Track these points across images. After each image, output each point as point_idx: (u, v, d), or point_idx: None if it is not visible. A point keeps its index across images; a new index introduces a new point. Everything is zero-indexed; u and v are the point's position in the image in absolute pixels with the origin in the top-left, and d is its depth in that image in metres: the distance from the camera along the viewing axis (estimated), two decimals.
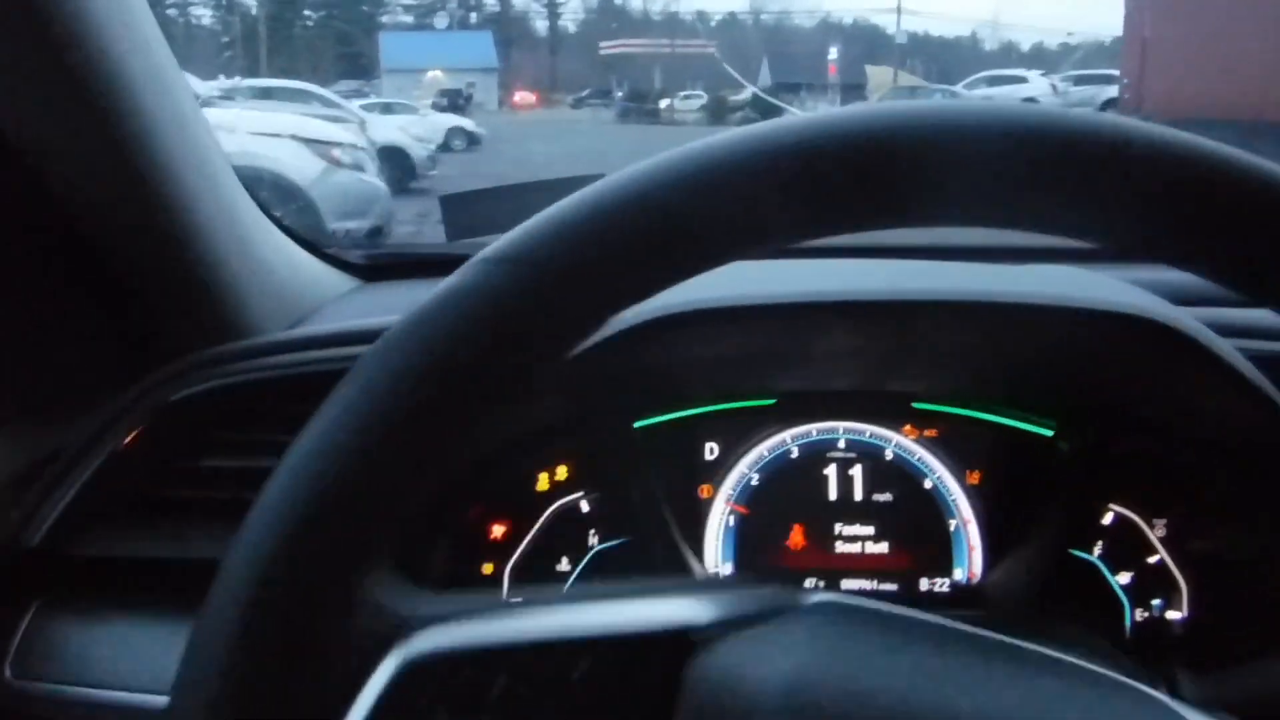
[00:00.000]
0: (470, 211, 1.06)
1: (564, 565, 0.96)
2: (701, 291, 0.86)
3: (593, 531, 0.97)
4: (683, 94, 36.00)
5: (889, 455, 0.97)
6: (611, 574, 0.95)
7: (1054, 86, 20.26)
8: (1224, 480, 0.89)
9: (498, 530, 0.96)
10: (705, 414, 0.98)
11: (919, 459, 0.97)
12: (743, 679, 0.45)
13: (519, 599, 0.51)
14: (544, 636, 0.49)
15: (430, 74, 35.62)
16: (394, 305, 0.82)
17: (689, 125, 29.87)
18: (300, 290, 1.15)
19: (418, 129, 11.84)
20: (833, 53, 37.15)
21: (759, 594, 0.49)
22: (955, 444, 0.97)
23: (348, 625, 0.46)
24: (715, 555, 0.97)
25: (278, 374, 0.96)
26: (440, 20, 33.83)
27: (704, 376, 0.96)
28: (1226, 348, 0.76)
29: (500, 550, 0.96)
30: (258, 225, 1.11)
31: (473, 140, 15.71)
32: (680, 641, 0.48)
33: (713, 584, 0.54)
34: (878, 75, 35.26)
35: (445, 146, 13.95)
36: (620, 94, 31.60)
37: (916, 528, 0.98)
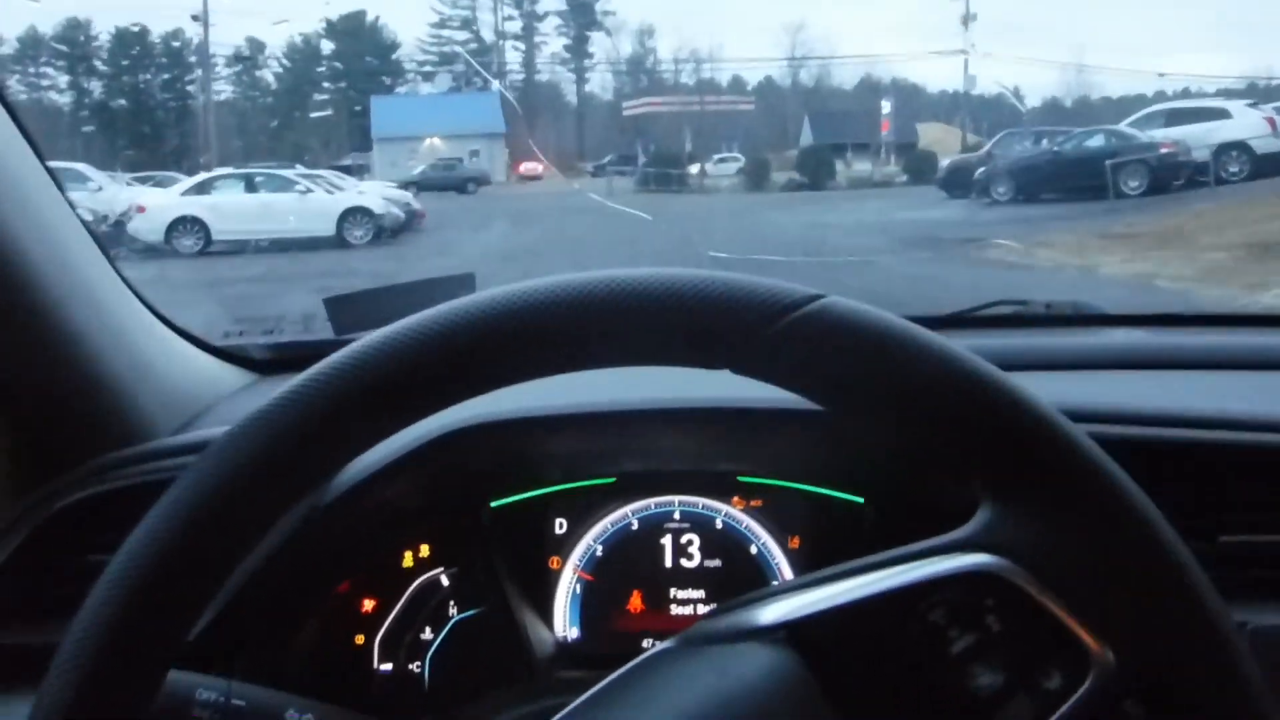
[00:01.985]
0: (352, 310, 1.16)
1: (427, 634, 1.06)
2: (543, 397, 1.00)
3: (452, 603, 1.07)
4: (716, 157, 33.26)
5: (719, 524, 1.08)
6: (470, 641, 1.06)
7: (1275, 122, 14.73)
8: None
9: (367, 604, 1.06)
10: (553, 493, 1.10)
11: (746, 526, 1.09)
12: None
13: None
14: None
15: (428, 141, 32.36)
16: None
17: (723, 192, 24.71)
18: (192, 389, 1.22)
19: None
20: (886, 107, 34.47)
21: None
22: (778, 512, 1.09)
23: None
24: (563, 621, 1.08)
25: (161, 477, 1.00)
26: (441, 81, 29.53)
27: (553, 465, 1.09)
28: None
29: (369, 622, 1.06)
30: (142, 327, 1.18)
31: (392, 228, 12.81)
32: None
33: None
34: (931, 132, 33.38)
35: (340, 240, 11.89)
36: (644, 159, 26.34)
37: (743, 590, 1.00)
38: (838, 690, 0.60)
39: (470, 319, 0.58)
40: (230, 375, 1.33)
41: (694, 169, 28.98)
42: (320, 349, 1.20)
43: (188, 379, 1.23)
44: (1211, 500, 0.93)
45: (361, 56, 42.18)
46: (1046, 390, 0.60)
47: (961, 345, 0.59)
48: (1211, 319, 1.59)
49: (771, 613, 0.62)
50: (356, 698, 0.86)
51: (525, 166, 33.94)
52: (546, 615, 1.10)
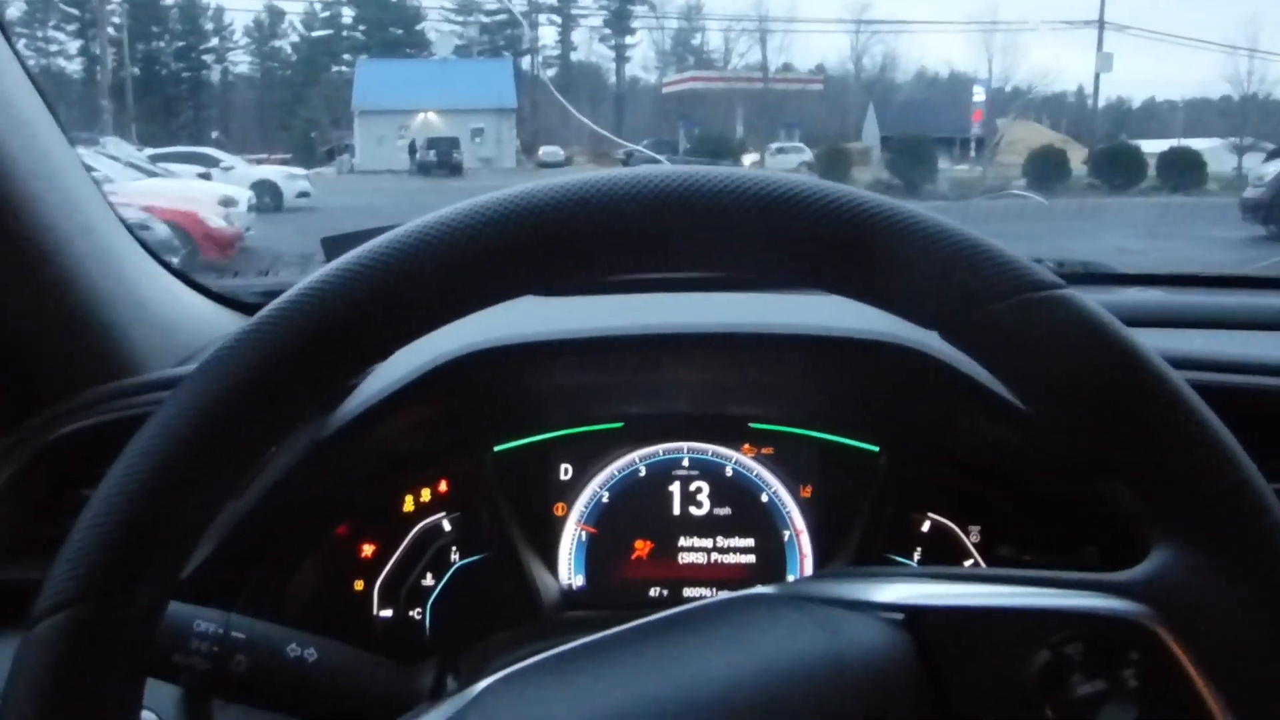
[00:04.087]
0: (349, 249, 1.02)
1: (428, 580, 1.08)
2: (549, 324, 1.02)
3: (454, 549, 1.08)
4: (775, 146, 28.14)
5: (729, 472, 1.10)
6: (472, 588, 1.07)
7: None
8: (1013, 495, 1.02)
9: (367, 549, 1.08)
10: (558, 437, 1.11)
11: (756, 475, 1.10)
12: None
13: None
14: None
15: (421, 116, 28.46)
16: None
17: None
18: (189, 329, 1.24)
19: None
20: (978, 94, 29.42)
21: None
22: (789, 461, 1.10)
23: (144, 636, 0.57)
24: (568, 569, 1.10)
25: (149, 411, 1.00)
26: (442, 45, 23.72)
27: (557, 403, 1.10)
28: (978, 370, 0.84)
29: (369, 568, 1.08)
30: (141, 268, 1.21)
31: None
32: None
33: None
34: (1016, 130, 28.80)
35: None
36: (686, 145, 19.77)
37: (753, 538, 1.10)
38: (943, 689, 0.59)
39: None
40: (227, 318, 1.33)
41: (748, 159, 22.73)
42: None
43: (184, 319, 1.24)
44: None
45: (385, 26, 39.41)
46: None
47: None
48: (1227, 280, 1.59)
49: (891, 592, 0.60)
50: (357, 640, 0.84)
51: (545, 151, 30.89)
52: (551, 563, 1.12)
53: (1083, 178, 23.46)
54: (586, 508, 1.11)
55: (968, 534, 1.07)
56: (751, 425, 1.10)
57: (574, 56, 44.70)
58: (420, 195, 17.53)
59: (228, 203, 9.11)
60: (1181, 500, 0.55)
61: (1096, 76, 27.40)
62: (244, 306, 1.38)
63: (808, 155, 26.29)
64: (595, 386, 1.10)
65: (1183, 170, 22.52)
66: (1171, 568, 0.57)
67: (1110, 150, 24.69)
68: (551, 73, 43.65)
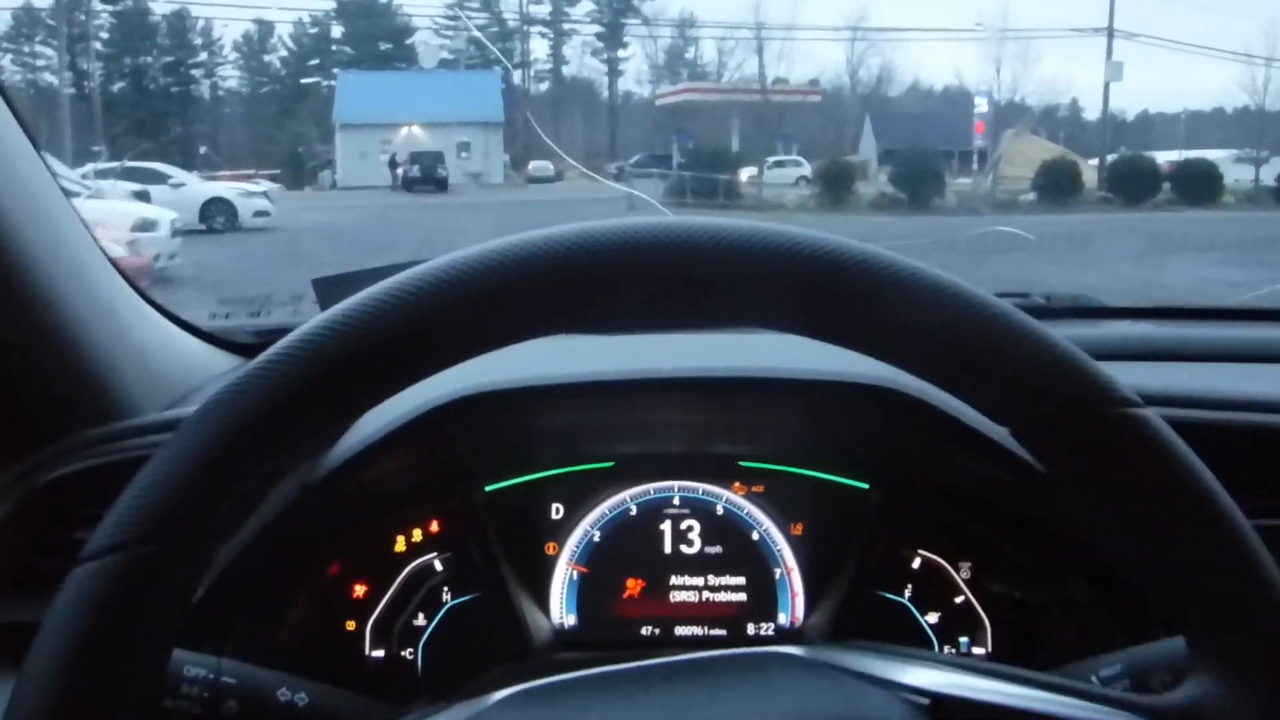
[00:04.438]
0: (342, 291, 0.98)
1: (420, 620, 1.09)
2: (541, 368, 1.03)
3: (446, 589, 1.09)
4: (772, 159, 27.35)
5: (720, 510, 1.11)
6: (464, 628, 1.07)
7: None
8: (1004, 532, 1.04)
9: (358, 589, 1.08)
10: (550, 477, 1.12)
11: (747, 513, 1.11)
12: None
13: None
14: None
15: (405, 130, 27.62)
16: None
17: (789, 208, 17.02)
18: (180, 370, 1.24)
19: None
20: (981, 105, 28.93)
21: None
22: (780, 498, 1.11)
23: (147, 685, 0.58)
24: (560, 608, 1.11)
25: (146, 453, 0.94)
26: (427, 56, 22.83)
27: (548, 443, 1.11)
28: (969, 413, 0.87)
29: (361, 608, 1.08)
30: (131, 308, 1.21)
31: None
32: None
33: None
34: (1018, 144, 27.46)
35: None
36: (680, 159, 18.86)
37: (745, 576, 1.11)
38: None
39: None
40: (218, 358, 1.34)
41: (745, 173, 21.28)
42: None
43: (175, 360, 1.25)
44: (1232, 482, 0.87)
45: (374, 40, 38.72)
46: None
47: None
48: (1214, 312, 1.64)
49: (920, 676, 0.62)
50: (349, 681, 0.84)
51: (534, 166, 30.21)
52: (543, 602, 1.12)
53: (1094, 191, 22.59)
54: (578, 547, 1.11)
55: (958, 570, 1.08)
56: (742, 464, 1.10)
57: (566, 70, 44.10)
58: (395, 213, 16.66)
59: (144, 226, 8.52)
60: (1230, 639, 0.56)
61: (1106, 86, 26.48)
62: (235, 347, 1.37)
63: (806, 169, 25.86)
64: (586, 427, 1.11)
65: (1197, 183, 21.71)
66: (1210, 697, 0.57)
67: (1124, 162, 23.82)
68: (544, 87, 43.13)
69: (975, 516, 1.05)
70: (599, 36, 42.92)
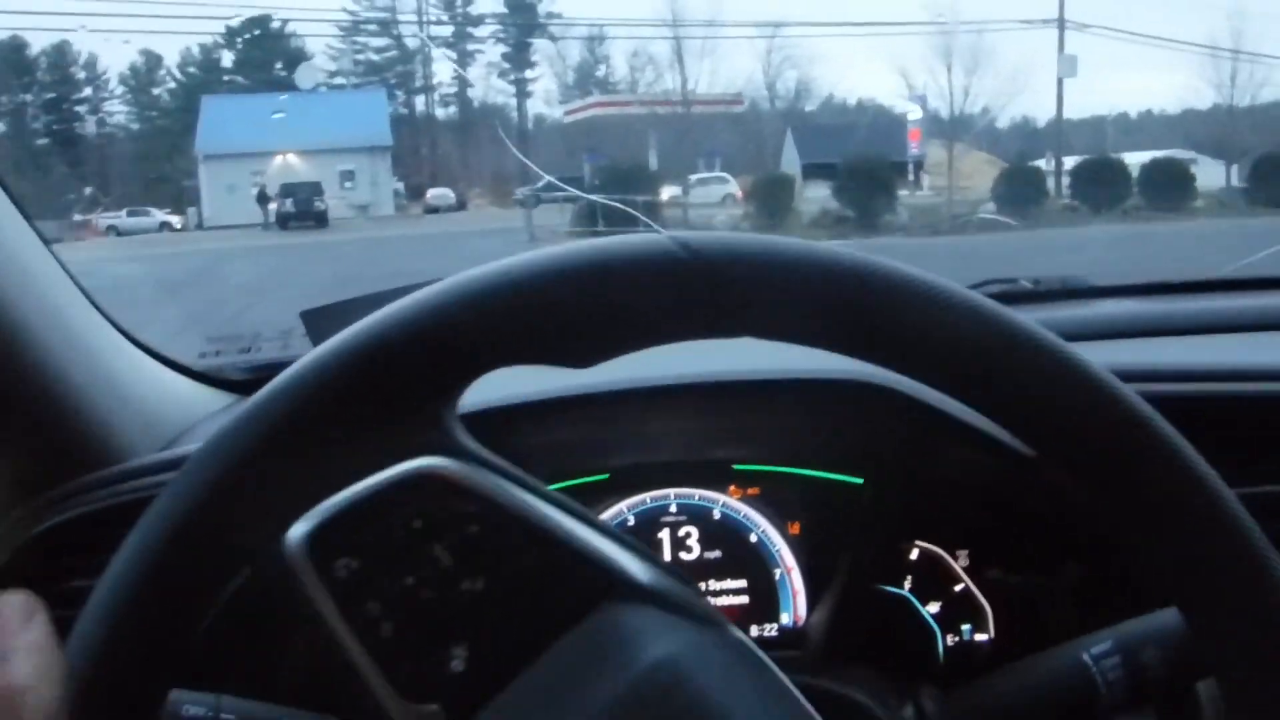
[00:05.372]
0: (331, 323, 1.05)
1: None
2: (527, 385, 1.04)
3: None
4: (696, 177, 24.95)
5: (717, 515, 1.12)
6: None
7: None
8: (998, 518, 1.05)
9: None
10: None
11: (744, 516, 1.12)
12: (633, 642, 0.58)
13: None
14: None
15: (279, 159, 24.38)
16: None
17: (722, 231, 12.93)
18: (170, 411, 1.23)
19: None
20: (915, 113, 27.55)
21: (688, 596, 0.62)
22: (775, 499, 1.12)
23: None
24: None
25: (142, 496, 1.03)
26: (304, 77, 19.92)
27: (541, 459, 1.08)
28: (952, 404, 0.87)
29: None
30: (117, 349, 1.21)
31: None
32: (610, 581, 0.60)
33: (667, 568, 0.65)
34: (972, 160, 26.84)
35: None
36: (595, 181, 20.63)
37: (745, 579, 1.13)
38: None
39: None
40: (209, 397, 1.33)
41: (667, 193, 21.33)
42: None
43: (164, 402, 1.24)
44: (1222, 451, 0.88)
45: (268, 67, 36.42)
46: None
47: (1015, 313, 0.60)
48: (1198, 285, 1.66)
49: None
50: (353, 713, 0.84)
51: (434, 194, 28.73)
52: None
53: (1059, 199, 20.51)
54: None
55: (956, 559, 1.10)
56: (735, 467, 1.12)
57: (471, 93, 42.52)
58: (227, 261, 13.47)
59: None
60: (1223, 606, 0.56)
61: (1059, 82, 24.24)
62: (227, 384, 1.38)
63: (733, 186, 24.50)
64: (579, 441, 1.12)
65: (1168, 186, 19.61)
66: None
67: (1090, 166, 21.61)
68: (449, 111, 41.34)
69: (969, 504, 1.06)
70: (505, 57, 41.56)
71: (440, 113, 40.94)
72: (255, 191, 22.55)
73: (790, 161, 30.52)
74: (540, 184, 24.33)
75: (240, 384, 1.36)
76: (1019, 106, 41.30)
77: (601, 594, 0.60)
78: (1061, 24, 23.18)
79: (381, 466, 0.58)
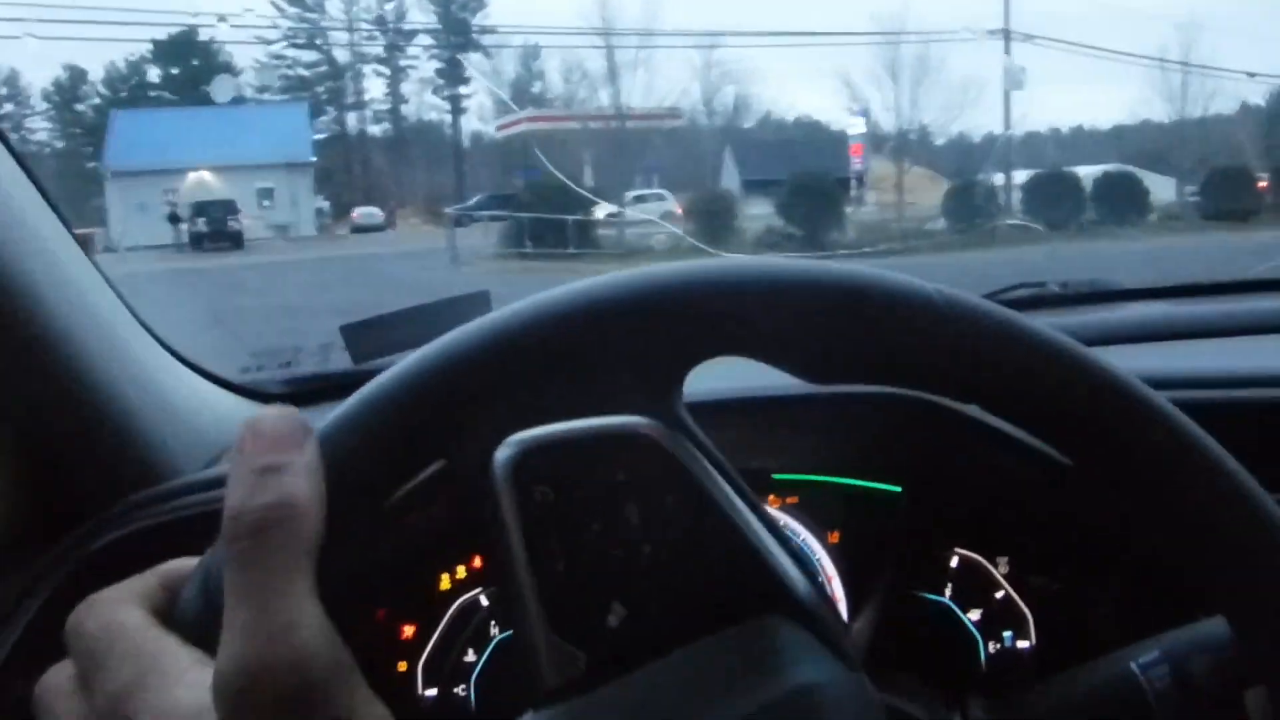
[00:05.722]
0: (371, 337, 1.13)
1: (470, 656, 1.09)
2: None
3: (493, 623, 1.10)
4: (634, 194, 23.85)
5: None
6: (515, 660, 0.96)
7: None
8: (1038, 524, 1.05)
9: (407, 630, 1.08)
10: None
11: (783, 524, 1.11)
12: (783, 662, 0.57)
13: None
14: None
15: (193, 176, 23.06)
16: None
17: (658, 253, 12.38)
18: (216, 426, 1.24)
19: None
20: (858, 126, 26.28)
21: (840, 631, 0.61)
22: (814, 508, 1.12)
23: None
24: None
25: (196, 511, 1.06)
26: (220, 90, 18.72)
27: None
28: (973, 410, 0.87)
29: (410, 649, 1.08)
30: (161, 365, 1.22)
31: None
32: (778, 593, 0.60)
33: (826, 596, 0.65)
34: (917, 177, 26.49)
35: None
36: (524, 199, 14.68)
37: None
38: None
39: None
40: (251, 411, 1.18)
41: (603, 211, 19.93)
42: (341, 380, 1.17)
43: (210, 416, 1.25)
44: (1259, 458, 0.82)
45: (195, 82, 34.71)
46: None
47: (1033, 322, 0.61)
48: (1227, 286, 1.68)
49: None
50: None
51: (360, 213, 27.49)
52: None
53: (1009, 215, 20.21)
54: None
55: (996, 566, 1.09)
56: (774, 476, 1.11)
57: (405, 109, 41.80)
58: None
59: None
60: (1269, 609, 0.57)
61: (1006, 94, 23.49)
62: (269, 398, 1.39)
63: (672, 203, 23.45)
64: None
65: (1123, 199, 19.04)
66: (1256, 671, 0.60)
67: (1044, 179, 21.01)
68: (382, 128, 40.57)
69: (1008, 511, 1.05)
70: (439, 73, 40.41)
71: (374, 129, 40.38)
72: (167, 211, 21.67)
73: (729, 178, 30.16)
74: (472, 201, 23.35)
75: (280, 397, 1.36)
76: (958, 122, 40.86)
77: (767, 603, 0.60)
78: (1008, 35, 22.72)
79: (602, 414, 0.59)
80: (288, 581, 0.46)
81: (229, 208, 21.05)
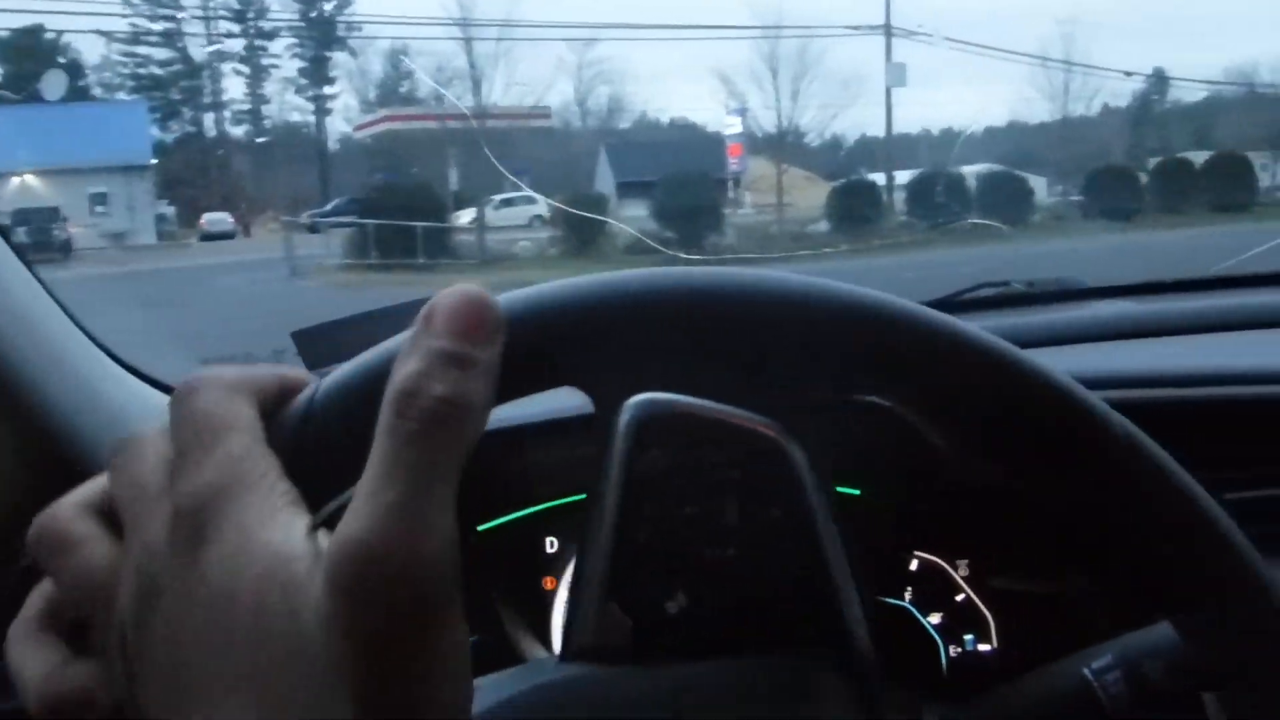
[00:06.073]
0: (324, 343, 1.09)
1: None
2: (521, 406, 1.01)
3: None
4: (500, 197, 22.63)
5: None
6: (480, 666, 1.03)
7: None
8: (997, 526, 1.04)
9: None
10: (542, 511, 1.12)
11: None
12: (822, 710, 0.59)
13: None
14: None
15: (16, 180, 21.01)
16: None
17: (522, 263, 11.04)
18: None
19: None
20: (734, 125, 21.67)
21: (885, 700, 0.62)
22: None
23: None
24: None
25: None
26: (51, 86, 17.02)
27: (539, 479, 1.12)
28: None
29: None
30: (105, 374, 1.19)
31: None
32: (839, 638, 0.61)
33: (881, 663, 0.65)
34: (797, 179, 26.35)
35: None
36: (375, 204, 13.42)
37: None
38: None
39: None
40: None
41: (465, 216, 19.45)
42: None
43: (151, 421, 1.10)
44: (1216, 458, 0.86)
45: (39, 81, 30.57)
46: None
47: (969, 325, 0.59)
48: (1196, 283, 1.73)
49: None
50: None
51: (209, 220, 26.54)
52: (544, 637, 1.11)
53: (895, 216, 19.50)
54: None
55: (956, 568, 1.09)
56: None
57: (268, 110, 40.30)
58: None
59: None
60: (1210, 612, 0.58)
61: (888, 92, 22.87)
62: None
63: (542, 206, 22.45)
64: (577, 460, 1.06)
65: (1007, 200, 18.67)
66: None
67: (927, 179, 20.44)
68: (244, 130, 39.37)
69: (968, 514, 1.04)
70: (302, 72, 38.82)
71: (235, 131, 38.40)
72: None
73: (605, 180, 29.94)
74: (329, 206, 22.05)
75: None
76: (838, 120, 40.75)
77: (823, 641, 0.60)
78: (889, 31, 22.26)
79: (743, 405, 0.59)
80: (443, 481, 0.43)
81: (52, 215, 19.10)
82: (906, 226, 20.22)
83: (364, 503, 0.42)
